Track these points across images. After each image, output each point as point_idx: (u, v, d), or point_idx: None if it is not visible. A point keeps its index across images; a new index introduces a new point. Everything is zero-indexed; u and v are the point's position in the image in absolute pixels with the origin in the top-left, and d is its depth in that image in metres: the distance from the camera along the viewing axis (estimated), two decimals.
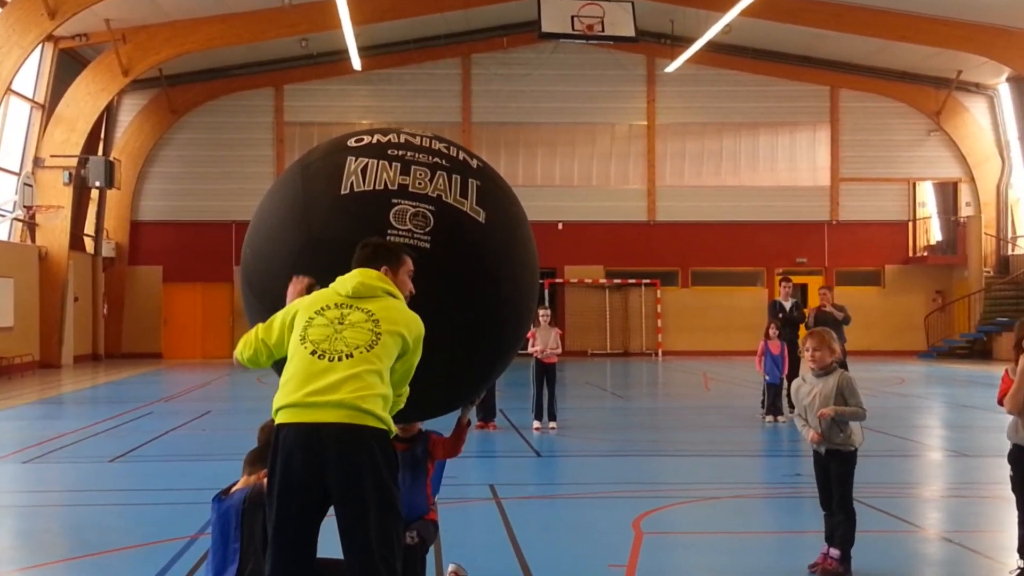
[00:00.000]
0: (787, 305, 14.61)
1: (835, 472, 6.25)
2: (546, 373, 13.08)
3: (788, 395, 14.10)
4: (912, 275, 31.10)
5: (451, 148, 5.18)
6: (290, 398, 4.03)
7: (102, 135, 28.37)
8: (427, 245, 4.65)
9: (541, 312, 13.63)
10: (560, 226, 30.08)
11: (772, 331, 13.90)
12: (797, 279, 22.82)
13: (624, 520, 7.53)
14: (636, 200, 30.84)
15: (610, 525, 7.48)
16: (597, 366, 26.49)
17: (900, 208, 31.30)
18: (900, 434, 12.80)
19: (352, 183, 4.81)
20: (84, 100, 25.15)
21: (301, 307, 4.27)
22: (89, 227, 28.41)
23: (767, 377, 13.77)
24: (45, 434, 12.62)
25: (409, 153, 4.95)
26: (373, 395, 4.01)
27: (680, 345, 30.20)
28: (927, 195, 32.00)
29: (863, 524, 6.39)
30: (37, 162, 24.54)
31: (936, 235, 32.05)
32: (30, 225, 24.64)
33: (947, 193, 31.74)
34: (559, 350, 13.31)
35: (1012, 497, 6.14)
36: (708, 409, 16.17)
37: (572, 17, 23.06)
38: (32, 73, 24.39)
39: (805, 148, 31.29)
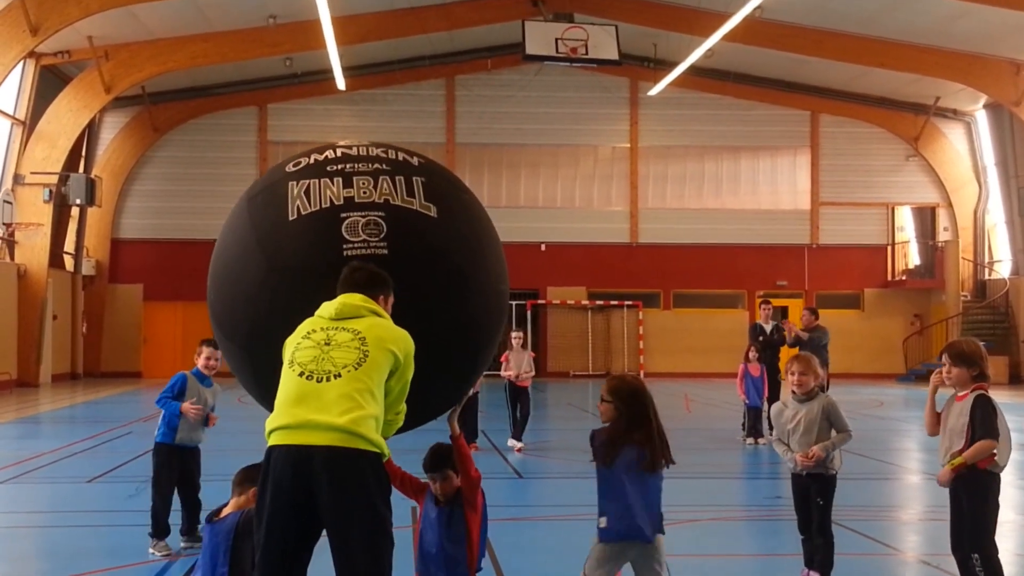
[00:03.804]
0: (767, 328, 14.70)
1: (815, 495, 6.26)
2: (519, 396, 13.11)
3: (769, 418, 14.20)
4: (891, 299, 31.32)
5: (389, 151, 5.13)
6: (281, 420, 3.98)
7: (83, 152, 28.28)
8: (385, 252, 4.61)
9: (514, 335, 13.67)
10: (543, 247, 30.16)
11: (752, 354, 13.97)
12: (777, 302, 22.98)
13: None
14: (618, 222, 30.97)
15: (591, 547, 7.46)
16: (579, 387, 26.51)
17: (879, 232, 31.55)
18: (879, 457, 12.86)
19: (298, 207, 4.77)
20: (66, 117, 25.09)
21: (290, 339, 4.25)
22: (69, 245, 28.26)
23: (747, 401, 13.84)
24: (22, 454, 12.51)
25: (348, 165, 4.90)
26: (365, 416, 3.96)
27: (661, 367, 30.26)
28: (905, 220, 32.29)
29: (843, 547, 6.42)
30: (17, 179, 24.44)
31: (914, 259, 32.31)
32: (9, 243, 24.49)
33: (925, 218, 32.03)
34: (532, 373, 13.33)
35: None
36: (689, 431, 16.19)
37: (556, 40, 23.23)
38: (13, 89, 24.32)
39: (786, 172, 31.53)
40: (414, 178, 4.91)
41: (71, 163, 26.52)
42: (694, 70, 26.80)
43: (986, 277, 30.77)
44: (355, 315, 4.21)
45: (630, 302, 30.57)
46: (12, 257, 24.68)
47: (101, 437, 14.28)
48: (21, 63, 22.74)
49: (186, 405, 7.36)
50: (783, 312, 24.28)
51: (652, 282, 30.77)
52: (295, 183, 4.85)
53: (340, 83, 26.34)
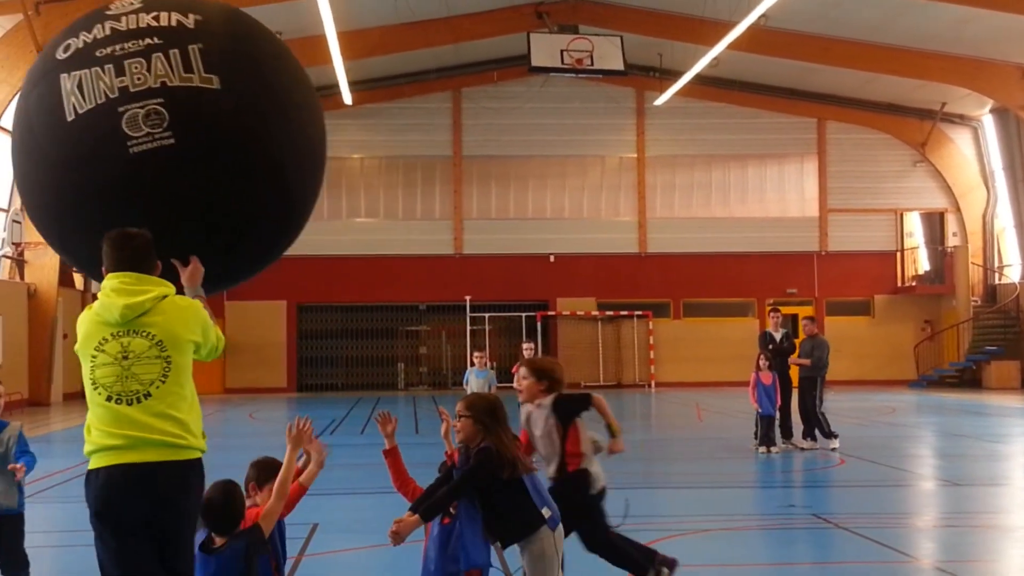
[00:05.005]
0: (777, 336, 14.67)
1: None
2: None
3: (781, 426, 14.23)
4: (901, 305, 31.22)
5: (161, 15, 4.61)
6: (104, 441, 3.94)
7: None
8: (172, 141, 4.36)
9: (525, 346, 13.72)
10: (552, 258, 30.16)
11: (763, 362, 13.94)
12: (787, 310, 22.91)
13: None
14: (627, 232, 30.96)
15: None
16: None
17: (888, 238, 31.47)
18: (892, 464, 12.81)
19: (74, 105, 4.45)
20: None
21: (79, 342, 4.12)
22: None
23: (759, 409, 13.81)
24: (34, 473, 12.44)
25: (118, 47, 4.49)
26: (186, 426, 3.99)
27: (672, 376, 30.20)
28: (914, 225, 32.21)
29: (858, 555, 6.37)
30: None
31: (924, 265, 32.22)
32: (19, 262, 24.59)
33: (934, 223, 31.95)
34: None
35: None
36: (701, 440, 16.16)
37: (561, 51, 23.27)
38: None
39: (793, 179, 31.50)
40: (190, 47, 4.51)
41: None
42: (700, 79, 26.82)
43: (996, 282, 30.66)
44: (141, 312, 4.02)
45: (640, 312, 30.53)
46: (22, 276, 24.78)
47: None
48: None
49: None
50: (793, 320, 24.21)
51: (661, 292, 30.73)
52: (67, 76, 4.49)
53: (347, 98, 26.41)
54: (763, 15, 21.23)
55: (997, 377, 27.89)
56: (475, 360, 13.47)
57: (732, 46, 22.96)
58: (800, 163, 31.49)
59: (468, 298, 29.53)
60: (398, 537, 4.61)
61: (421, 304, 30.77)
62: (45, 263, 24.81)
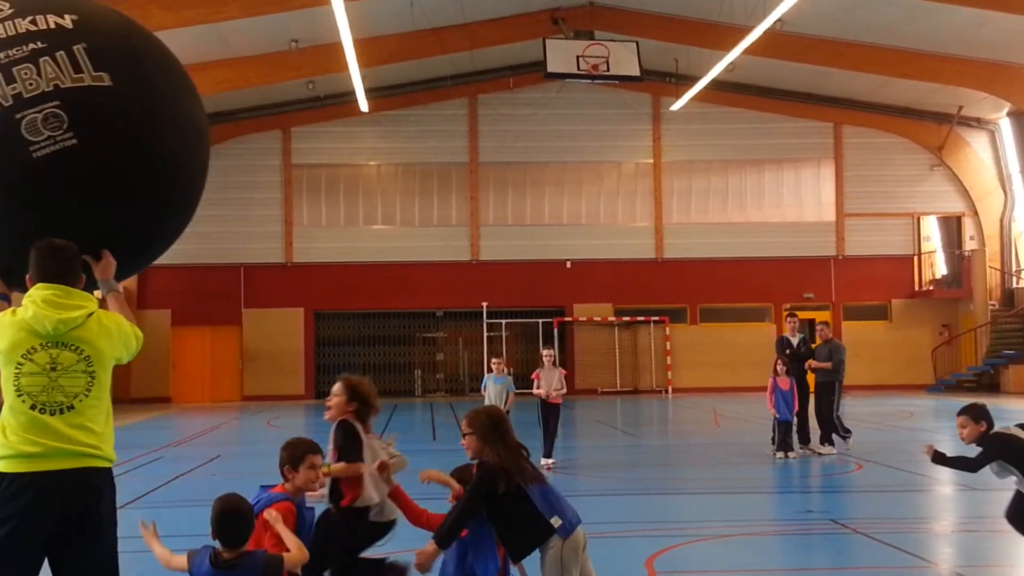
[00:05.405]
0: (795, 341, 14.65)
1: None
2: (550, 413, 13.13)
3: (798, 431, 14.22)
4: (918, 309, 31.10)
5: (38, 18, 4.62)
6: (19, 448, 4.01)
7: None
8: (74, 141, 4.41)
9: (545, 352, 13.71)
10: (568, 264, 30.19)
11: (780, 367, 13.93)
12: (804, 314, 22.85)
13: (637, 559, 7.54)
14: (644, 238, 30.96)
15: (623, 564, 7.47)
16: (607, 404, 26.45)
17: (905, 242, 31.37)
18: (910, 468, 12.77)
19: None
20: None
21: (5, 347, 4.12)
22: None
23: (777, 414, 13.80)
24: None
25: (2, 55, 4.51)
26: (103, 438, 4.14)
27: (689, 382, 30.16)
28: (931, 229, 32.09)
29: (876, 560, 6.38)
30: None
31: (941, 269, 32.09)
32: None
33: (951, 227, 31.82)
34: (563, 390, 13.34)
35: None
36: (718, 446, 16.15)
37: (577, 57, 23.30)
38: None
39: (810, 184, 31.44)
40: (74, 48, 4.56)
41: None
42: (716, 84, 26.81)
43: (1014, 285, 30.50)
44: (73, 326, 4.14)
45: (657, 318, 30.51)
46: None
47: (131, 463, 14.38)
48: None
49: None
50: (810, 325, 24.16)
51: (678, 297, 30.71)
52: None
53: (363, 105, 26.53)
54: (779, 20, 21.22)
55: (1015, 381, 27.74)
56: (493, 366, 13.52)
57: (748, 51, 22.95)
58: (817, 167, 31.44)
59: (485, 304, 29.59)
60: (423, 568, 4.72)
61: (438, 311, 30.84)
62: None
